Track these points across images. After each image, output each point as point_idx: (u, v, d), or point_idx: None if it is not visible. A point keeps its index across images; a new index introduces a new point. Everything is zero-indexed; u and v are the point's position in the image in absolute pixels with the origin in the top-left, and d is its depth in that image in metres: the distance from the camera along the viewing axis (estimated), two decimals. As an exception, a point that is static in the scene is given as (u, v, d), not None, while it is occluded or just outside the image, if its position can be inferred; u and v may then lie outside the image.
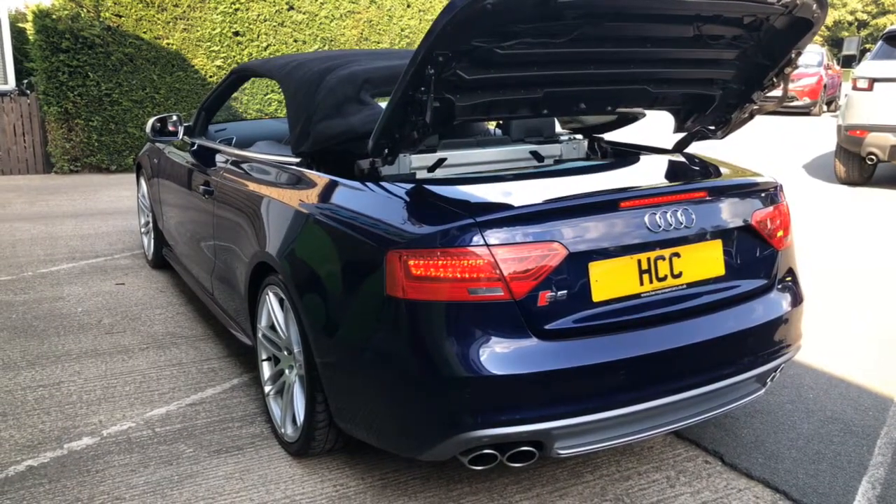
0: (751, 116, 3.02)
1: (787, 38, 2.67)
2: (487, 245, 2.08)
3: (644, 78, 2.78)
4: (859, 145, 8.01)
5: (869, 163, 8.17)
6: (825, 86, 18.61)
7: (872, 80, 7.94)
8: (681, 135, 3.26)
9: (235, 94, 10.03)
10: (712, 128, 3.10)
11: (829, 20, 43.56)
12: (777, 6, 2.46)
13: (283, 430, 2.78)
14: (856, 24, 44.25)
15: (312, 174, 2.78)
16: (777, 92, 2.94)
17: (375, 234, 2.26)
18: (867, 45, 19.31)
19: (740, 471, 2.66)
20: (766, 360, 2.50)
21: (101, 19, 9.38)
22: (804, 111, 18.53)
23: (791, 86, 17.97)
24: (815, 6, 2.53)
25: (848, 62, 9.68)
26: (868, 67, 8.10)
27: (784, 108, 18.63)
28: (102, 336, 3.97)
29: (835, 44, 37.82)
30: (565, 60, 2.53)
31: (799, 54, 2.74)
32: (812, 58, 19.25)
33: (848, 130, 8.09)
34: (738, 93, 2.94)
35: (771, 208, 2.61)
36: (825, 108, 19.09)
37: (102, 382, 3.40)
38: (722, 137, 3.12)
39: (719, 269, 2.44)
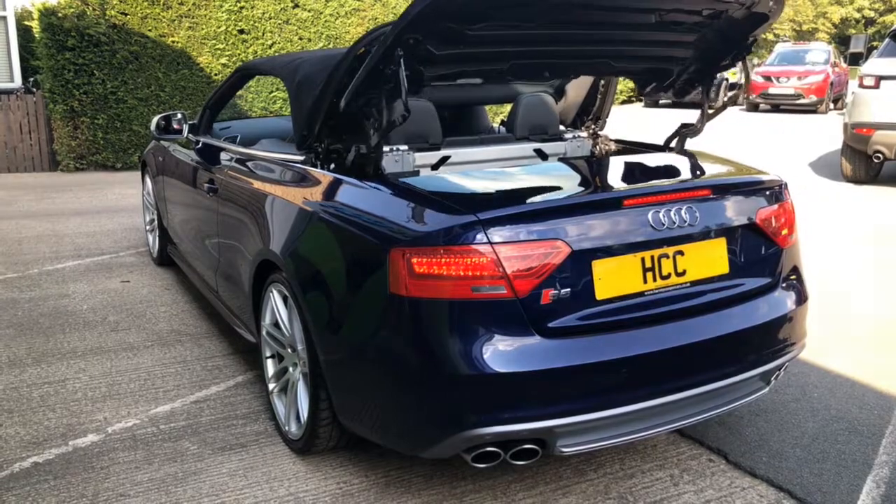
0: (724, 107, 3.16)
1: (745, 26, 2.81)
2: (491, 243, 2.08)
3: (607, 55, 2.92)
4: (866, 143, 7.98)
5: (875, 161, 8.13)
6: (832, 83, 18.52)
7: (879, 78, 7.89)
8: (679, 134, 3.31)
9: (240, 92, 10.05)
10: (691, 127, 3.22)
11: (836, 17, 43.36)
12: (734, 3, 2.59)
13: (286, 428, 2.78)
14: (863, 21, 44.02)
15: (316, 172, 2.78)
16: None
17: (379, 232, 2.26)
18: (874, 43, 19.27)
19: (744, 469, 2.65)
20: (770, 358, 2.49)
21: (106, 17, 9.41)
22: (811, 109, 18.46)
23: (798, 83, 17.94)
24: (771, 3, 2.68)
25: (855, 60, 9.64)
26: (875, 65, 8.06)
27: (790, 106, 18.59)
28: (107, 333, 3.99)
29: (842, 41, 37.64)
30: (532, 40, 2.64)
31: (755, 41, 2.92)
32: (819, 55, 19.19)
33: (854, 128, 8.05)
34: (696, 69, 3.10)
35: (776, 206, 2.60)
36: (832, 105, 19.01)
37: (107, 379, 3.41)
38: (701, 129, 3.20)
39: (723, 268, 2.44)
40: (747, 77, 3.51)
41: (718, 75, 3.18)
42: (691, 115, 3.37)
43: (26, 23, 11.60)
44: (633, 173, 2.95)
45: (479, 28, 2.39)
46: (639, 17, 2.63)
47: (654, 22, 2.66)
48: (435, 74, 2.60)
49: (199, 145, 4.12)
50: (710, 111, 3.15)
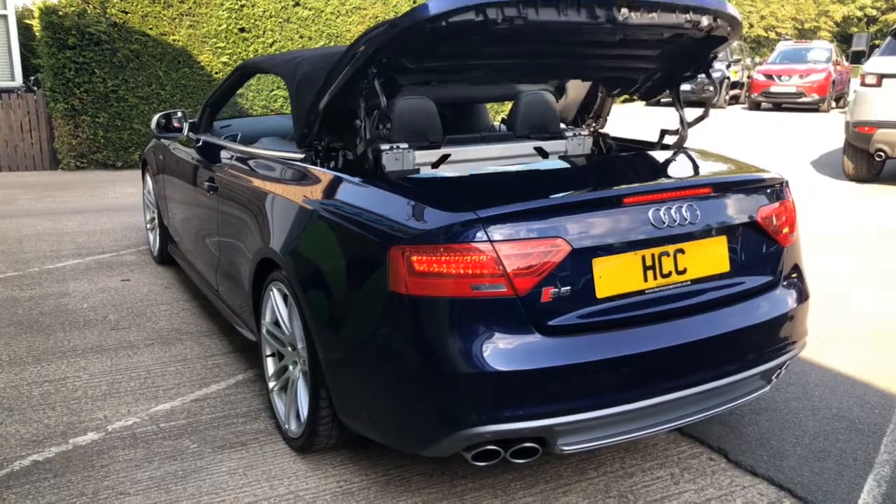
0: (703, 117, 3.25)
1: (705, 45, 2.93)
2: (490, 241, 2.07)
3: (571, 66, 3.13)
4: (867, 142, 7.97)
5: (877, 159, 8.12)
6: (834, 82, 18.50)
7: (881, 76, 7.88)
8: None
9: (240, 91, 10.05)
10: (674, 134, 3.32)
11: (838, 15, 43.28)
12: (693, 29, 2.71)
13: (286, 426, 2.78)
14: (865, 19, 43.93)
15: (317, 170, 2.78)
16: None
17: (378, 230, 2.26)
18: (876, 41, 19.25)
19: (745, 468, 2.65)
20: (770, 356, 2.48)
21: (107, 16, 9.40)
22: (812, 107, 18.43)
23: (800, 81, 18.12)
24: (728, 28, 2.81)
25: (857, 58, 9.63)
26: (876, 63, 8.04)
27: (792, 104, 18.57)
28: (108, 332, 3.99)
29: (844, 39, 37.56)
30: (503, 55, 2.79)
31: (715, 56, 3.07)
32: (821, 54, 19.17)
33: (856, 127, 8.04)
34: (661, 77, 3.24)
35: (777, 204, 2.59)
36: (833, 104, 18.99)
37: (107, 378, 3.41)
38: (685, 136, 3.26)
39: (724, 266, 2.43)
40: (715, 87, 3.73)
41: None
42: (692, 114, 3.37)
43: (27, 21, 11.61)
44: (634, 171, 2.94)
45: (452, 44, 2.52)
46: (602, 37, 2.71)
47: (617, 41, 2.75)
48: (410, 82, 2.77)
49: (200, 144, 4.12)
50: (690, 121, 3.23)
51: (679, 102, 3.29)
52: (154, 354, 3.68)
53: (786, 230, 2.61)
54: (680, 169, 2.94)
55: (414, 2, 11.56)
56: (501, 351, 2.08)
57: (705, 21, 2.70)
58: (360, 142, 2.71)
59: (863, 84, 8.11)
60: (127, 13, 9.52)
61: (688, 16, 2.63)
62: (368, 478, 2.58)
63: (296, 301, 2.57)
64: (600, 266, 2.20)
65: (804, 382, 3.33)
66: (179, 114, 4.35)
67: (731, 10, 2.75)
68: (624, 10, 2.47)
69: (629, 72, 3.24)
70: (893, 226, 6.47)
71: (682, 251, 2.34)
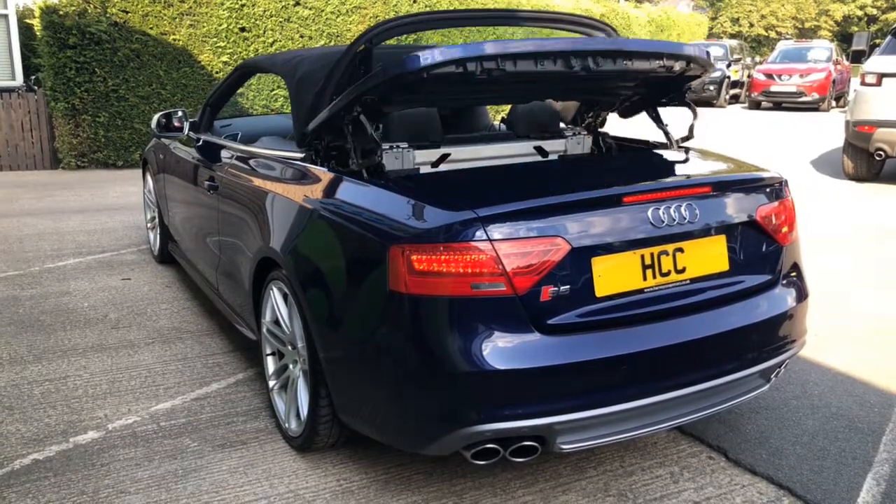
0: (689, 136, 3.23)
1: (678, 80, 3.01)
2: (490, 240, 2.08)
3: (549, 94, 3.23)
4: (867, 141, 7.97)
5: (877, 158, 8.13)
6: (834, 81, 18.50)
7: (881, 76, 7.89)
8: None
9: (241, 90, 10.04)
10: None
11: (838, 15, 43.28)
12: (667, 72, 2.79)
13: (286, 425, 2.78)
14: (865, 19, 43.91)
15: (317, 170, 2.78)
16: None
17: (378, 229, 2.26)
18: (876, 41, 19.24)
19: (744, 466, 2.65)
20: (770, 355, 2.49)
21: (107, 15, 9.40)
22: (813, 107, 18.43)
23: (800, 81, 18.15)
24: (701, 71, 2.91)
25: (857, 57, 9.63)
26: (877, 63, 8.05)
27: (792, 104, 18.57)
28: (108, 331, 3.99)
29: (844, 39, 37.55)
30: (483, 90, 2.95)
31: (689, 87, 3.16)
32: (821, 53, 19.17)
33: (856, 126, 8.04)
34: (639, 99, 3.31)
35: (776, 203, 2.59)
36: (834, 103, 18.98)
37: (108, 377, 3.41)
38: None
39: (723, 265, 2.43)
40: (694, 113, 3.80)
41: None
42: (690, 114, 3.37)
43: (28, 21, 11.59)
44: (633, 170, 2.95)
45: (432, 88, 2.59)
46: (577, 79, 2.76)
47: (593, 79, 2.83)
48: (396, 110, 2.86)
49: (200, 143, 4.12)
50: (677, 139, 3.24)
51: (660, 121, 3.31)
52: (154, 353, 3.69)
53: (785, 229, 2.61)
54: (679, 168, 2.94)
55: (414, 1, 11.56)
56: (501, 350, 2.09)
57: (678, 66, 2.77)
58: (352, 163, 2.72)
59: (863, 83, 8.11)
60: (127, 13, 9.53)
61: (661, 62, 2.71)
62: (368, 476, 2.59)
63: (296, 300, 2.58)
64: (599, 265, 2.21)
65: (803, 381, 3.33)
66: (180, 113, 4.35)
67: (704, 53, 2.84)
68: (599, 59, 2.53)
69: (606, 97, 3.35)
70: (893, 225, 6.47)
71: (681, 250, 2.34)
